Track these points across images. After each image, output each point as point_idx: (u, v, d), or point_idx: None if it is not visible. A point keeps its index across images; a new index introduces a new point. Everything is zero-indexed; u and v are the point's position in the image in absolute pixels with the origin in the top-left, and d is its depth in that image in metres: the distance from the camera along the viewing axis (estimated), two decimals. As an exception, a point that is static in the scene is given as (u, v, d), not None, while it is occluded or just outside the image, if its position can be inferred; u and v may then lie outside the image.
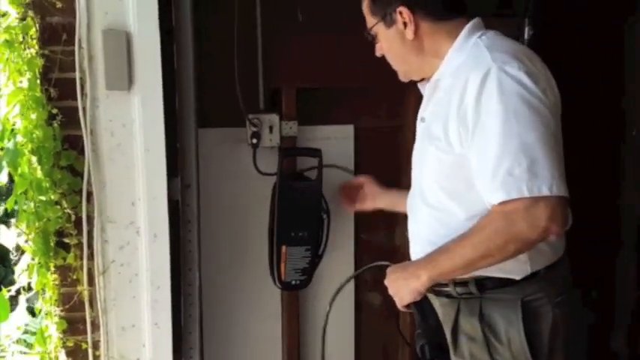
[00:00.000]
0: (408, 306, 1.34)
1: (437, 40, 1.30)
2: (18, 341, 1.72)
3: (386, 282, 1.35)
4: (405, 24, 1.29)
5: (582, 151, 1.41)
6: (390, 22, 1.31)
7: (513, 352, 1.26)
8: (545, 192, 1.12)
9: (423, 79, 1.39)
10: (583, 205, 1.37)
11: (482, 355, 1.28)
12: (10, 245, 1.78)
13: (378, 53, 1.39)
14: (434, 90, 1.32)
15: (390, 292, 1.35)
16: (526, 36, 1.92)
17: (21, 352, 1.72)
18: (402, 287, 1.31)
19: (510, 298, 1.26)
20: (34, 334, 1.70)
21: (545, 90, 1.19)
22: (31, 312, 1.74)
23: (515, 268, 1.25)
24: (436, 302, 1.35)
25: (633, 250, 2.40)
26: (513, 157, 1.13)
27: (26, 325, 1.73)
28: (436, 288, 1.32)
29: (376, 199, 1.73)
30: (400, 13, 1.28)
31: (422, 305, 1.32)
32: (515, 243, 1.17)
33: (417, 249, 1.37)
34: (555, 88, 1.26)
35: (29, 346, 1.74)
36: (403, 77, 1.41)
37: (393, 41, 1.33)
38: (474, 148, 1.19)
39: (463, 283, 1.28)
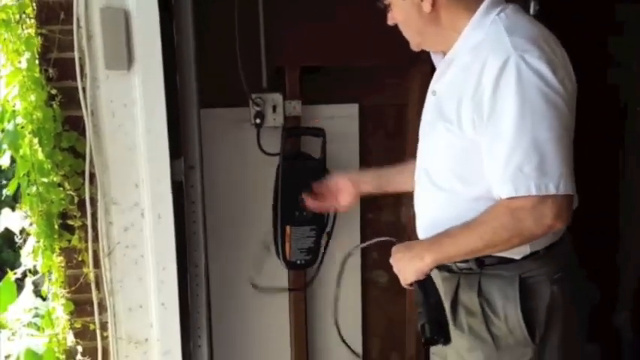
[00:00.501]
0: (411, 284, 1.34)
1: (455, 13, 1.26)
2: (28, 324, 1.73)
3: (391, 260, 1.36)
4: None
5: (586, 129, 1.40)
6: None
7: (510, 327, 1.27)
8: (552, 191, 1.14)
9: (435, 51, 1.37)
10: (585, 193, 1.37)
11: (481, 328, 1.29)
12: (15, 229, 1.79)
13: (390, 22, 1.34)
14: (448, 66, 1.29)
15: (395, 270, 1.36)
16: (532, 12, 1.88)
17: (30, 335, 1.73)
18: (407, 266, 1.32)
19: (508, 274, 1.27)
20: (42, 316, 1.71)
21: (563, 80, 1.17)
22: (39, 295, 1.75)
23: (516, 249, 1.25)
24: (438, 276, 1.35)
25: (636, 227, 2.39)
26: (524, 153, 1.14)
27: (36, 308, 1.74)
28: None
29: (361, 187, 1.59)
30: None
31: (424, 284, 1.32)
32: (519, 237, 1.20)
33: (423, 224, 1.38)
34: (572, 73, 1.23)
35: (38, 328, 1.75)
36: (415, 47, 1.37)
37: (409, 12, 1.28)
38: (486, 137, 1.18)
39: (464, 260, 1.29)
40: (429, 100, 1.35)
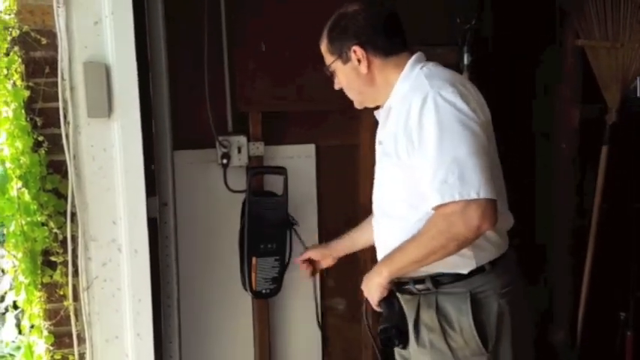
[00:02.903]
0: (379, 305, 1.48)
1: (387, 72, 1.49)
2: (3, 357, 1.78)
3: (362, 287, 1.51)
4: (359, 60, 1.47)
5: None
6: (345, 59, 1.50)
7: (465, 338, 1.42)
8: (473, 196, 1.30)
9: (377, 107, 1.58)
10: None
11: (440, 342, 1.44)
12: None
13: (336, 87, 1.57)
14: (387, 115, 1.50)
15: (365, 294, 1.51)
16: (465, 61, 2.16)
17: (9, 368, 1.78)
18: (370, 285, 1.48)
19: (460, 291, 1.43)
20: (18, 348, 1.76)
21: (475, 109, 1.37)
22: (18, 328, 1.80)
23: (463, 264, 1.43)
24: (401, 299, 1.51)
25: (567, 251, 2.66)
26: (447, 168, 1.31)
27: (12, 341, 1.79)
28: (400, 287, 1.49)
29: (333, 254, 1.82)
30: (354, 51, 1.47)
31: (389, 299, 1.46)
32: (455, 241, 1.34)
33: (382, 251, 1.53)
34: (486, 107, 1.46)
35: (16, 361, 1.79)
36: (358, 105, 1.59)
37: (349, 75, 1.51)
38: (419, 161, 1.38)
39: (421, 281, 1.46)
40: (378, 150, 1.55)
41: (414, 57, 1.49)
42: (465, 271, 1.44)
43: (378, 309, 1.49)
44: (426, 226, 1.38)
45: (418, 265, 1.41)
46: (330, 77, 1.56)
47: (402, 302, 1.51)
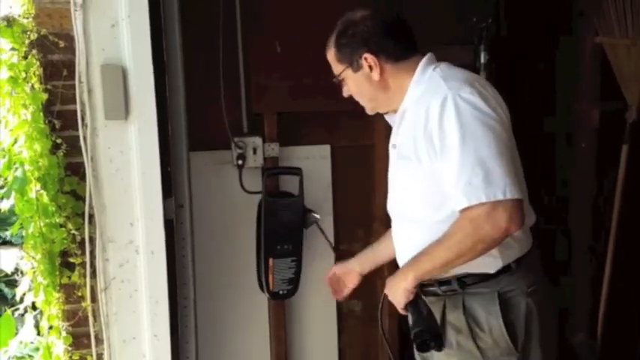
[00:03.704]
0: (406, 308, 1.46)
1: (399, 77, 1.47)
2: (22, 358, 1.80)
3: (385, 291, 1.49)
4: (370, 67, 1.45)
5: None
6: (356, 68, 1.47)
7: (495, 338, 1.41)
8: (500, 197, 1.29)
9: (387, 112, 1.56)
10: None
11: (468, 343, 1.43)
12: (7, 268, 1.87)
13: (345, 94, 1.55)
14: (401, 119, 1.48)
15: (390, 298, 1.49)
16: (482, 60, 2.14)
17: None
18: (395, 290, 1.45)
19: (488, 291, 1.42)
20: (37, 349, 1.79)
21: (495, 108, 1.36)
22: (37, 329, 1.83)
23: (490, 263, 1.41)
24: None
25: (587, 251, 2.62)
26: (471, 170, 1.30)
27: (31, 342, 1.81)
28: (424, 289, 1.46)
29: (357, 269, 1.77)
30: (366, 58, 1.45)
31: (416, 303, 1.44)
32: (482, 243, 1.33)
33: (403, 255, 1.51)
34: (504, 105, 1.44)
35: (36, 362, 1.81)
36: (370, 111, 1.57)
37: (361, 83, 1.49)
38: (442, 164, 1.35)
39: (446, 282, 1.44)
40: (392, 154, 1.53)
41: (424, 59, 1.47)
42: (492, 271, 1.42)
43: (404, 313, 1.47)
44: (452, 229, 1.36)
45: (445, 268, 1.40)
46: (338, 85, 1.54)
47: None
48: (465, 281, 1.42)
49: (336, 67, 1.52)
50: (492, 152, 1.30)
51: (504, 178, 1.30)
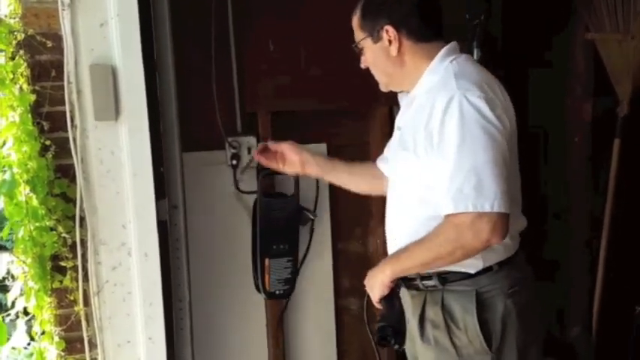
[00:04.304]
0: (380, 302, 1.47)
1: (417, 58, 1.43)
2: (16, 364, 1.77)
3: (365, 282, 1.50)
4: (390, 41, 1.42)
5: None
6: (376, 38, 1.44)
7: (469, 337, 1.41)
8: (487, 209, 1.28)
9: (401, 91, 1.54)
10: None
11: (444, 339, 1.43)
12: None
13: (362, 65, 1.51)
14: (410, 104, 1.46)
15: (367, 289, 1.50)
16: (475, 57, 2.14)
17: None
18: (372, 282, 1.47)
19: (467, 289, 1.42)
20: (31, 355, 1.76)
21: (500, 116, 1.33)
22: (29, 335, 1.80)
23: (470, 264, 1.41)
24: (407, 295, 1.50)
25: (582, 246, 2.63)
26: (464, 176, 1.29)
27: (26, 347, 1.78)
28: (407, 282, 1.47)
29: (305, 165, 1.67)
30: (387, 31, 1.41)
31: (391, 300, 1.46)
32: (462, 249, 1.33)
33: (393, 245, 1.52)
34: (512, 111, 1.40)
35: (31, 368, 1.78)
36: (384, 87, 1.53)
37: (378, 55, 1.45)
38: (436, 163, 1.34)
39: (428, 277, 1.44)
40: (395, 135, 1.52)
41: (446, 47, 1.43)
42: (472, 271, 1.42)
43: (378, 306, 1.49)
44: (435, 232, 1.36)
45: (423, 268, 1.41)
46: (357, 55, 1.49)
47: (409, 297, 1.49)
48: (446, 277, 1.43)
49: (358, 34, 1.48)
50: (489, 161, 1.29)
51: (495, 191, 1.28)
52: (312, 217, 1.98)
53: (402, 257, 1.42)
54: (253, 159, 1.92)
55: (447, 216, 1.32)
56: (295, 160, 1.67)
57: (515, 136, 1.42)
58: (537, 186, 2.65)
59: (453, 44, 1.45)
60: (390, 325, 1.43)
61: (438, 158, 1.34)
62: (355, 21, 1.49)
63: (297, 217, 1.98)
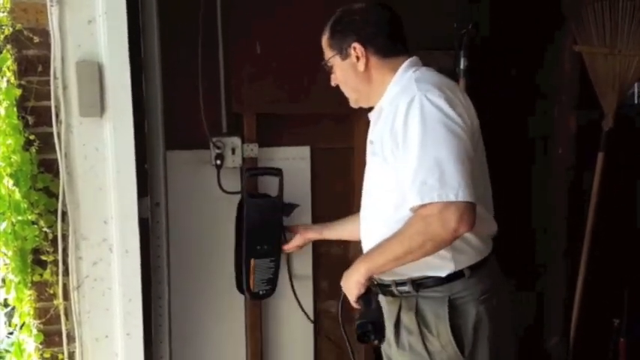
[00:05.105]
0: (358, 302, 1.49)
1: (383, 73, 1.50)
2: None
3: (341, 283, 1.52)
4: (357, 58, 1.49)
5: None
6: (345, 56, 1.51)
7: (442, 343, 1.44)
8: (452, 198, 1.31)
9: (372, 108, 1.58)
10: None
11: (418, 345, 1.46)
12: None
13: (333, 83, 1.59)
14: (379, 116, 1.51)
15: (344, 290, 1.51)
16: (462, 66, 2.16)
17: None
18: (348, 282, 1.49)
19: (440, 296, 1.45)
20: (10, 346, 1.77)
21: (461, 114, 1.38)
22: (9, 326, 1.81)
23: (441, 265, 1.44)
24: (383, 301, 1.52)
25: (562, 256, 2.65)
26: (428, 169, 1.32)
27: (9, 336, 1.80)
28: (383, 288, 1.50)
29: (308, 234, 1.93)
30: (354, 48, 1.49)
31: (367, 296, 1.47)
32: (432, 241, 1.35)
33: (367, 247, 1.54)
34: (474, 114, 1.47)
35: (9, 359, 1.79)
36: (354, 104, 1.60)
37: (346, 72, 1.53)
38: (401, 161, 1.39)
39: (402, 283, 1.47)
40: (368, 149, 1.56)
41: (408, 60, 1.51)
42: (443, 274, 1.45)
43: (356, 305, 1.50)
44: (404, 226, 1.39)
45: (396, 263, 1.42)
46: (327, 73, 1.57)
47: (385, 303, 1.52)
48: (420, 283, 1.45)
49: (327, 53, 1.55)
50: (451, 155, 1.33)
51: (459, 181, 1.31)
52: (296, 206, 2.00)
53: (375, 254, 1.44)
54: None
55: (414, 209, 1.35)
56: (309, 237, 1.94)
57: (480, 137, 1.47)
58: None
59: (414, 58, 1.52)
60: (369, 322, 1.44)
61: (402, 158, 1.37)
62: (324, 40, 1.55)
63: (280, 217, 2.00)
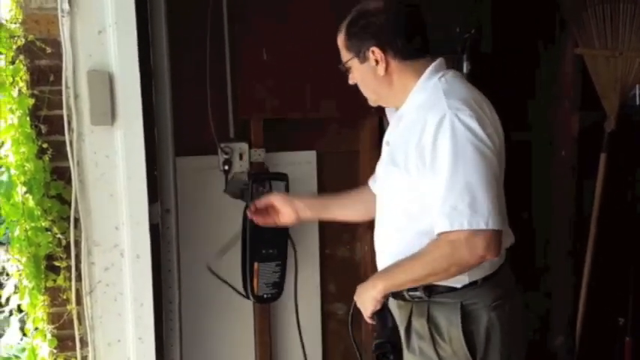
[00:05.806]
0: (372, 317, 1.48)
1: (404, 76, 1.44)
2: (9, 359, 1.80)
3: (355, 297, 1.51)
4: (376, 61, 1.42)
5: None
6: (363, 59, 1.44)
7: (454, 348, 1.43)
8: (482, 226, 1.30)
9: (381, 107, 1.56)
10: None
11: (429, 350, 1.45)
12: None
13: (350, 82, 1.51)
14: (399, 121, 1.48)
15: (358, 305, 1.50)
16: (465, 70, 2.19)
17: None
18: (363, 297, 1.47)
19: (452, 302, 1.43)
20: (23, 350, 1.79)
21: (491, 134, 1.35)
22: (22, 331, 1.83)
23: (456, 279, 1.43)
24: (394, 305, 1.52)
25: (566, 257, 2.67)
26: (458, 194, 1.30)
27: (19, 342, 1.82)
28: (394, 293, 1.48)
29: (298, 212, 1.70)
30: (373, 52, 1.42)
31: (383, 313, 1.46)
32: (457, 266, 1.35)
33: (382, 260, 1.53)
34: (500, 128, 1.42)
35: (21, 364, 1.82)
36: (373, 103, 1.55)
37: (365, 75, 1.46)
38: (430, 181, 1.35)
39: (414, 288, 1.46)
40: (384, 150, 1.53)
41: (433, 64, 1.44)
42: (457, 285, 1.44)
43: (370, 321, 1.49)
44: (429, 247, 1.37)
45: (415, 283, 1.42)
46: (344, 73, 1.50)
47: (395, 307, 1.51)
48: (432, 289, 1.44)
49: (344, 55, 1.48)
50: (481, 179, 1.30)
51: (489, 208, 1.30)
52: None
53: (395, 272, 1.42)
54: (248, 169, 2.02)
55: (441, 233, 1.33)
56: (288, 211, 1.69)
57: (504, 153, 1.43)
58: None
59: (440, 60, 1.46)
60: (387, 342, 1.43)
61: (430, 177, 1.35)
62: (341, 41, 1.48)
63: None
